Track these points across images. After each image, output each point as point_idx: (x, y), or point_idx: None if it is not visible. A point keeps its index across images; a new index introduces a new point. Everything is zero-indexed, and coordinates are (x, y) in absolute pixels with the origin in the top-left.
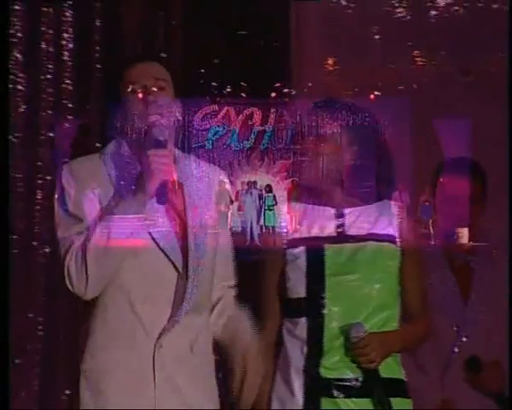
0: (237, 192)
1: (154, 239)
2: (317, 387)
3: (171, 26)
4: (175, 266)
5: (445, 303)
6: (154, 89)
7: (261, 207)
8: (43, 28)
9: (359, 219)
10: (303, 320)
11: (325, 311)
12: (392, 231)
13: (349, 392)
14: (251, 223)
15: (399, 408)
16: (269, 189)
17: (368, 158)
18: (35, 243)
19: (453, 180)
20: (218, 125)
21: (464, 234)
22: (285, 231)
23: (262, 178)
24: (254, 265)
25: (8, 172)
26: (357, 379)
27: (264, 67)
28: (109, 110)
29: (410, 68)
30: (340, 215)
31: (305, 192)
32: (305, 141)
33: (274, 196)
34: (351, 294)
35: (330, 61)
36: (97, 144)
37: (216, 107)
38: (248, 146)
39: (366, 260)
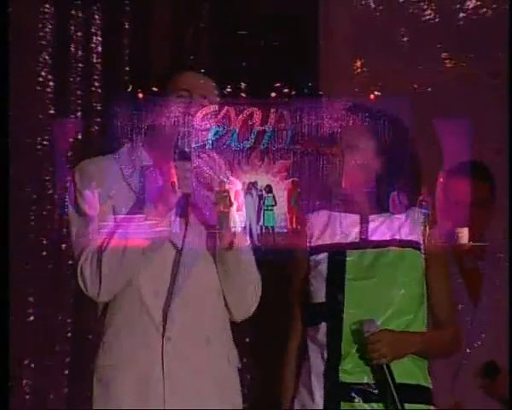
0: (237, 192)
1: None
2: (337, 391)
3: (200, 29)
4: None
5: None
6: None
7: (261, 208)
8: (71, 31)
9: (383, 226)
10: (323, 325)
11: (343, 315)
12: (415, 237)
13: (368, 397)
14: (250, 223)
15: None
16: (269, 189)
17: (396, 166)
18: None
19: (454, 180)
20: (218, 125)
21: (464, 234)
22: (310, 241)
23: (262, 178)
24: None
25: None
26: (375, 384)
27: (266, 67)
28: (133, 113)
29: (439, 70)
30: (364, 221)
31: (329, 198)
32: (335, 146)
33: (273, 197)
34: (370, 298)
35: (358, 63)
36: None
37: (216, 107)
38: (248, 146)
39: (386, 265)
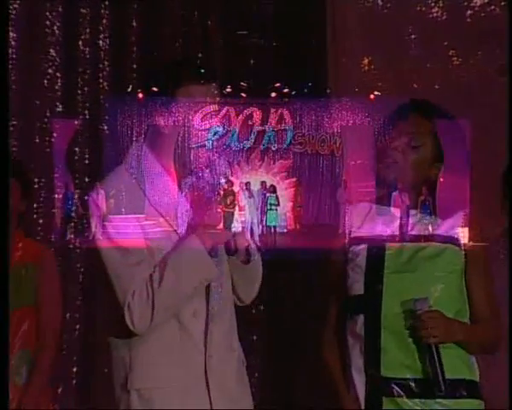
0: (237, 192)
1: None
2: (379, 387)
3: (208, 28)
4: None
5: None
6: None
7: (262, 207)
8: (80, 29)
9: (424, 221)
10: (361, 318)
11: (382, 308)
12: (455, 234)
13: (411, 393)
14: (251, 223)
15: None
16: (273, 189)
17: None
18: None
19: (453, 180)
20: (218, 126)
21: (464, 234)
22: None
23: (262, 178)
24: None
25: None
26: (415, 379)
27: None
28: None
29: (447, 68)
30: (404, 215)
31: (311, 196)
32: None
33: (277, 197)
34: (408, 292)
35: (366, 61)
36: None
37: (216, 107)
38: (248, 146)
39: (426, 260)
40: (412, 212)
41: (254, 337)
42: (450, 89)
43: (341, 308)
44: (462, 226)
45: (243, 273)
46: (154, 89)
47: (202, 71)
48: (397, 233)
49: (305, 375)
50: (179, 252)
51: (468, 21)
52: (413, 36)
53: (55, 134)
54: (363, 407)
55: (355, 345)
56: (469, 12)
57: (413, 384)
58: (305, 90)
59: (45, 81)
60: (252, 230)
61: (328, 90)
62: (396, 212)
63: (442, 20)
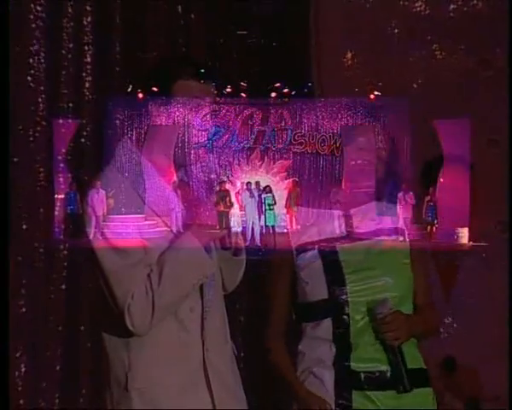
0: (237, 192)
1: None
2: (348, 380)
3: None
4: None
5: None
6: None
7: (261, 208)
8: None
9: (366, 219)
10: (326, 321)
11: (350, 309)
12: (399, 224)
13: (379, 384)
14: (252, 223)
15: (424, 398)
16: (268, 189)
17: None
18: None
19: (453, 180)
20: (218, 126)
21: (464, 234)
22: (286, 230)
23: (262, 178)
24: (255, 264)
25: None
26: (386, 371)
27: (265, 67)
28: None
29: (430, 62)
30: (347, 216)
31: (311, 196)
32: (307, 142)
33: (273, 196)
34: (371, 289)
35: (349, 56)
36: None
37: (216, 107)
38: (248, 146)
39: (380, 255)
40: (352, 211)
41: (253, 337)
42: (433, 83)
43: (297, 314)
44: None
45: (230, 264)
46: (152, 84)
47: (202, 69)
48: (344, 234)
49: None
50: (176, 250)
51: (451, 16)
52: (396, 30)
53: (55, 134)
54: (332, 401)
55: (320, 347)
56: (452, 6)
57: (382, 376)
58: (305, 90)
59: (45, 81)
60: (252, 230)
61: (309, 84)
62: (338, 213)
63: (425, 15)
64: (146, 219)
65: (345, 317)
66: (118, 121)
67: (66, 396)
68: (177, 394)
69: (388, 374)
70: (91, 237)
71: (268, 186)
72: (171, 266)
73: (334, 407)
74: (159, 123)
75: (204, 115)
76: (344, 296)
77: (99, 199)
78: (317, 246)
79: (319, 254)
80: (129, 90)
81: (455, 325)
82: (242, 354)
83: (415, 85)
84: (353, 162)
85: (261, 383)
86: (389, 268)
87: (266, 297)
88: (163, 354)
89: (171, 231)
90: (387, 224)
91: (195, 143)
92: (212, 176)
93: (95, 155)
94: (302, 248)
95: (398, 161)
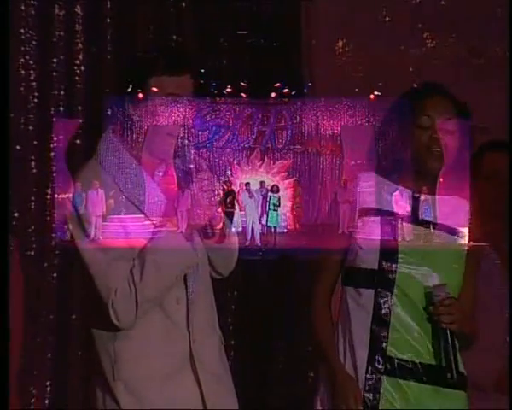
0: (237, 192)
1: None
2: (382, 364)
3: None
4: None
5: None
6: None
7: (264, 207)
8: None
9: (434, 207)
10: (370, 292)
11: (394, 288)
12: (464, 227)
13: (413, 375)
14: (252, 223)
15: (458, 402)
16: (276, 189)
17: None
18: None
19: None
20: (218, 126)
21: (464, 234)
22: (286, 230)
23: (262, 178)
24: (255, 264)
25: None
26: (420, 364)
27: (265, 67)
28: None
29: (421, 51)
30: (417, 199)
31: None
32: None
33: (279, 198)
34: (420, 277)
35: (340, 44)
36: None
37: (216, 107)
38: (248, 146)
39: (436, 251)
40: (423, 196)
41: (251, 336)
42: (424, 71)
43: (343, 280)
44: (462, 224)
45: (219, 251)
46: (126, 84)
47: (173, 62)
48: (408, 214)
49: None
50: (157, 242)
51: (442, 4)
52: (387, 18)
53: (55, 134)
54: (360, 382)
55: (358, 316)
56: None
57: (417, 368)
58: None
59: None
60: (252, 229)
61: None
62: (408, 193)
63: (416, 3)
64: (125, 213)
65: (388, 295)
66: (112, 119)
67: (58, 384)
68: (163, 385)
69: (426, 367)
70: (92, 237)
71: (275, 186)
72: (153, 259)
73: (362, 387)
74: (155, 123)
75: (204, 115)
76: (393, 274)
77: (98, 199)
78: (380, 215)
79: (380, 223)
80: (129, 90)
81: None
82: (233, 342)
83: (405, 73)
84: (353, 162)
85: (252, 373)
86: (443, 265)
87: (318, 256)
88: (149, 345)
89: (152, 223)
90: (453, 223)
91: (195, 143)
92: (185, 165)
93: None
94: (366, 212)
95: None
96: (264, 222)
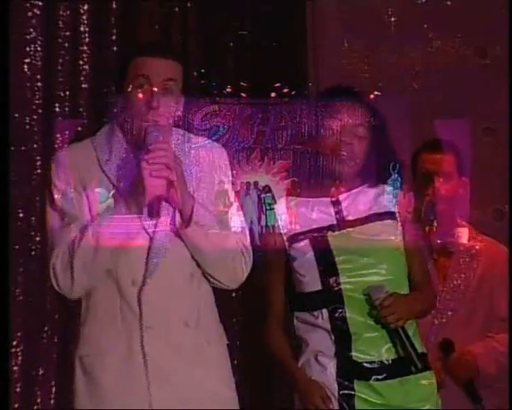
0: (237, 192)
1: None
2: (351, 371)
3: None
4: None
5: None
6: (161, 91)
7: (261, 207)
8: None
9: (355, 203)
10: (324, 311)
11: (345, 299)
12: (391, 208)
13: (382, 374)
14: (251, 223)
15: (427, 381)
16: (267, 188)
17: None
18: None
19: (452, 179)
20: (218, 125)
21: (464, 234)
22: (286, 229)
23: (262, 178)
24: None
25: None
26: (387, 360)
27: (266, 67)
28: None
29: (426, 51)
30: (336, 202)
31: (301, 187)
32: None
33: (273, 196)
34: (366, 276)
35: (346, 45)
36: None
37: (216, 107)
38: (248, 146)
39: (372, 241)
40: (341, 197)
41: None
42: (429, 71)
43: (293, 304)
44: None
45: (186, 241)
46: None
47: (155, 43)
48: (334, 222)
49: None
50: (101, 215)
51: (447, 4)
52: (393, 19)
53: (60, 134)
54: (335, 391)
55: (321, 336)
56: None
57: (384, 365)
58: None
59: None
60: (252, 230)
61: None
62: (326, 201)
63: (422, 3)
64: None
65: (340, 308)
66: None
67: (63, 384)
68: (115, 367)
69: (391, 362)
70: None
71: (267, 186)
72: (93, 230)
73: (337, 396)
74: (154, 128)
75: (204, 115)
76: (338, 287)
77: (70, 192)
78: (307, 237)
79: (310, 244)
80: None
81: (449, 313)
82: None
83: (411, 74)
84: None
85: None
86: (382, 254)
87: (263, 290)
88: (105, 324)
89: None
90: (379, 207)
91: (196, 143)
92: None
93: None
94: (294, 239)
95: (389, 145)
96: (262, 223)
